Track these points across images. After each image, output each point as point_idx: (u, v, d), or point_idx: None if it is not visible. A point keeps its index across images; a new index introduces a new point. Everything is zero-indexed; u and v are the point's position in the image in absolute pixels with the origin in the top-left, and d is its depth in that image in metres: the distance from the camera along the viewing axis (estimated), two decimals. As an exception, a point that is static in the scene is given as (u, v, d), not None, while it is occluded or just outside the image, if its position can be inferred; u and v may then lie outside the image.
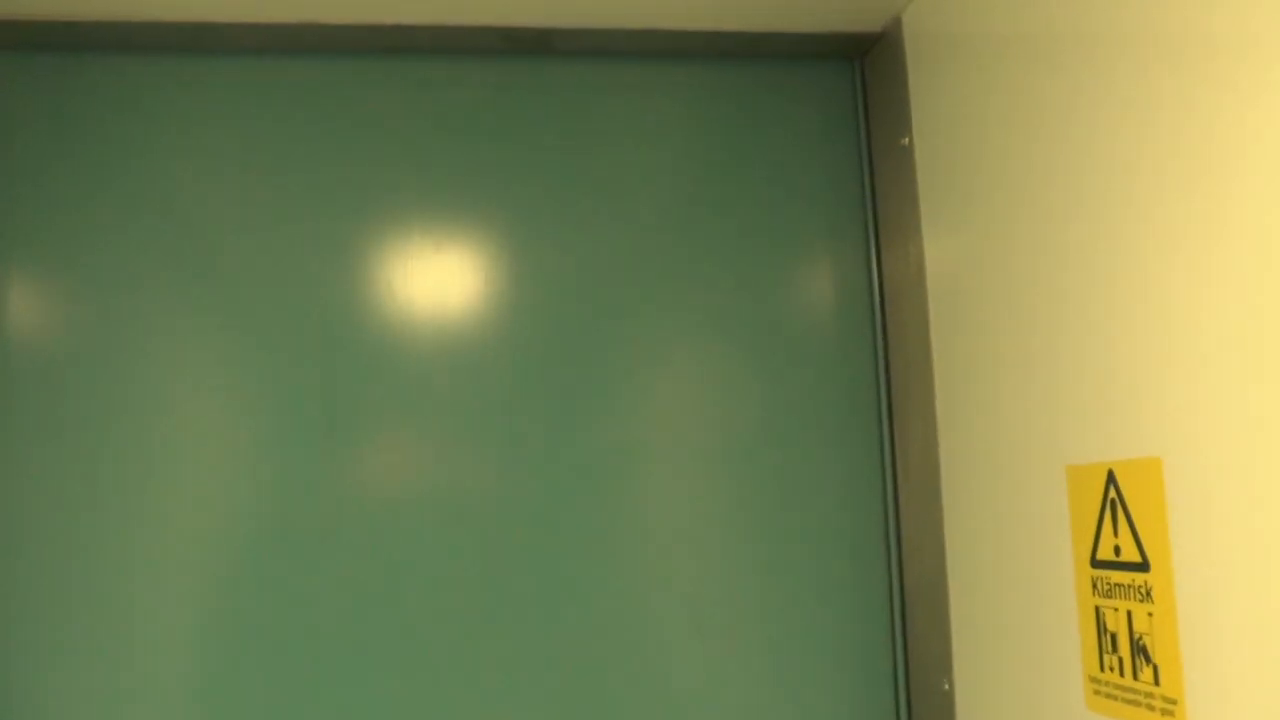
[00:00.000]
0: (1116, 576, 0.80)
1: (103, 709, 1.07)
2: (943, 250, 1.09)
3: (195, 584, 1.11)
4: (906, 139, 1.14)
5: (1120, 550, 0.80)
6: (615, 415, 1.18)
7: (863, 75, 1.26)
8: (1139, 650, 0.78)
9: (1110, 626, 0.81)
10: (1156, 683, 0.76)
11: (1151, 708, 0.77)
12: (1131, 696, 0.79)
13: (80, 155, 1.15)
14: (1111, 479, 0.80)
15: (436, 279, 1.18)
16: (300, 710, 1.10)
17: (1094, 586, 0.83)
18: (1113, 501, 0.80)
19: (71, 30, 1.12)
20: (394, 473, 1.15)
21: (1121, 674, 0.80)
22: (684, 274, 1.21)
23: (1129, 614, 0.79)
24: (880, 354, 1.21)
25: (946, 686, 1.07)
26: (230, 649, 1.10)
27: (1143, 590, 0.77)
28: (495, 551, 1.14)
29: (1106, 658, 0.82)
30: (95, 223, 1.14)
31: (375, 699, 1.10)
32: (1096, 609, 0.83)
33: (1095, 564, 0.83)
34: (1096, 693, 0.83)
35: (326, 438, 1.14)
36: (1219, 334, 0.69)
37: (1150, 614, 0.76)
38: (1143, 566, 0.77)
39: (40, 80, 1.15)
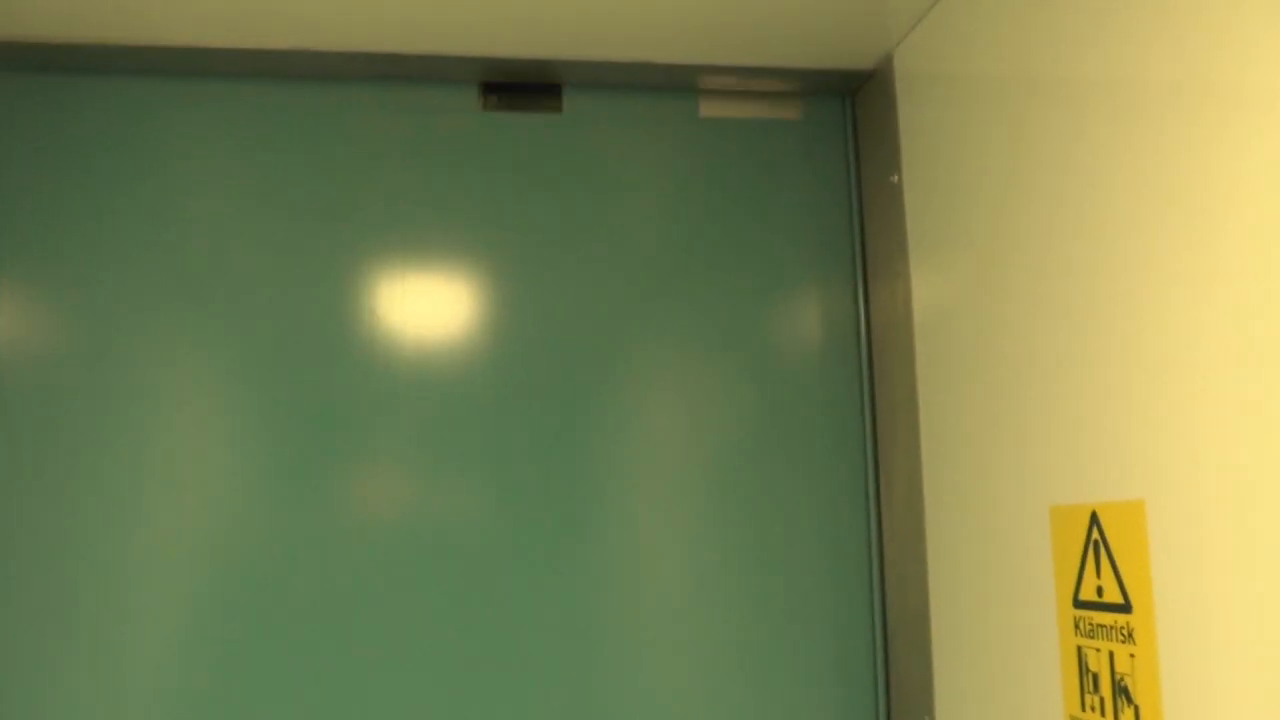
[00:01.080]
0: (1099, 617, 0.80)
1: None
2: (930, 288, 1.09)
3: (183, 604, 1.10)
4: (896, 176, 1.15)
5: (1103, 591, 0.80)
6: (602, 446, 1.18)
7: (853, 112, 1.27)
8: (1120, 691, 0.78)
9: (1092, 667, 0.81)
10: (1137, 724, 0.76)
11: (1132, 749, 0.77)
12: (1112, 738, 0.79)
13: (75, 176, 1.15)
14: (1095, 520, 0.81)
15: (429, 306, 1.18)
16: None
17: (1076, 626, 0.84)
18: (1096, 543, 0.81)
19: (69, 52, 1.12)
20: (383, 496, 1.14)
21: (1102, 714, 0.80)
22: (672, 307, 1.21)
23: (1111, 655, 0.79)
24: (866, 391, 1.22)
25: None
26: (217, 669, 1.09)
27: (1124, 631, 0.77)
28: (481, 575, 1.14)
29: (1088, 698, 0.82)
30: (89, 243, 1.14)
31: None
32: (1078, 649, 0.83)
33: (1078, 604, 0.83)
34: (1077, 733, 0.84)
35: (317, 460, 1.13)
36: (1204, 377, 0.70)
37: (1132, 655, 0.77)
38: (1125, 608, 0.77)
39: (37, 101, 1.15)
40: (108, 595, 1.09)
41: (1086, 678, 0.82)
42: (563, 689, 1.13)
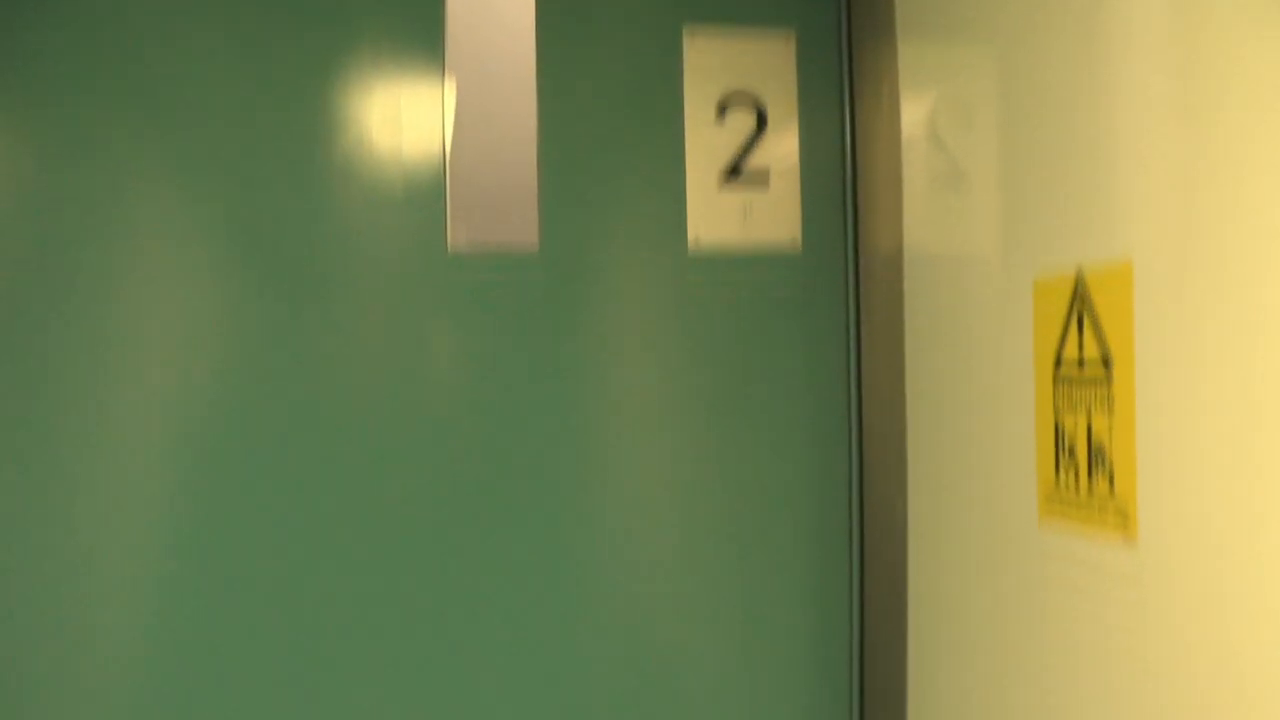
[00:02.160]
0: (1079, 380, 0.79)
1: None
2: (919, 90, 1.08)
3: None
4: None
5: (1084, 355, 0.79)
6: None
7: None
8: (1097, 457, 0.77)
9: (1068, 431, 0.81)
10: (1111, 489, 0.76)
11: (1104, 523, 0.76)
12: (1085, 513, 0.79)
13: (36, 8, 1.07)
14: (1079, 282, 0.79)
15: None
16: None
17: (1056, 387, 0.83)
18: (1079, 309, 0.79)
19: None
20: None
21: (1077, 478, 0.79)
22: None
23: (1089, 413, 0.78)
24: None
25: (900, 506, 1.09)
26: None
27: (1103, 396, 0.76)
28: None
29: (1063, 461, 0.81)
30: (53, 77, 1.07)
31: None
32: (1055, 412, 0.83)
33: (1059, 368, 0.82)
34: (1049, 512, 0.83)
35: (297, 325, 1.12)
36: (1192, 140, 0.69)
37: (1109, 423, 0.76)
38: (1105, 367, 0.76)
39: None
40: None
41: (1063, 452, 0.82)
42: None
